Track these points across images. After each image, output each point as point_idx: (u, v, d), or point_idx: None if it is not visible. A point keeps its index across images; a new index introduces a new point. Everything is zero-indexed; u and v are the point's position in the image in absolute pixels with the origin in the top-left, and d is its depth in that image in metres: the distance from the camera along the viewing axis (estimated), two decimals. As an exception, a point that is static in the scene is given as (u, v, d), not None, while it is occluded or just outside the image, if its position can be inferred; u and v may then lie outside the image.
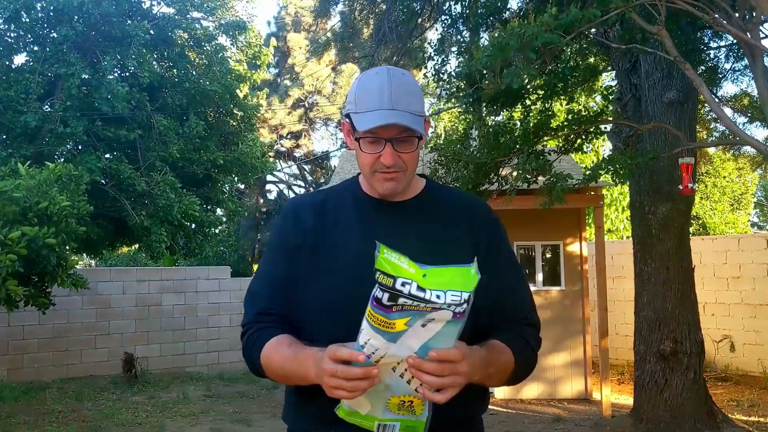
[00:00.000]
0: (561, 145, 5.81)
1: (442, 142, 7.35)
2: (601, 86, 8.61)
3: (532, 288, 7.73)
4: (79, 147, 10.46)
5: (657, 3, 3.72)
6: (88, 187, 7.74)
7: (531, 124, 5.51)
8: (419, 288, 1.09)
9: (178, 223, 10.54)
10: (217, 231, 16.06)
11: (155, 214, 10.20)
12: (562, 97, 6.01)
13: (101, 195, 9.89)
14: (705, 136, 10.79)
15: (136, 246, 12.66)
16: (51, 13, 9.90)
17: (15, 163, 6.84)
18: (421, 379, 1.13)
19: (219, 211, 13.83)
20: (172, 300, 9.96)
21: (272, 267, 1.45)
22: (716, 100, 5.67)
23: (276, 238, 1.49)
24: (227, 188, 13.48)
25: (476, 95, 4.78)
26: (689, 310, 6.05)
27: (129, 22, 10.21)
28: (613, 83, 7.33)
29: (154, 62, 10.82)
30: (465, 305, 1.11)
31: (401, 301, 1.09)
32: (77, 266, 7.61)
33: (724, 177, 16.77)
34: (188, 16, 11.44)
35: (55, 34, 10.03)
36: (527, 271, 7.98)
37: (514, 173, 5.65)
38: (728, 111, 8.58)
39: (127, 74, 10.68)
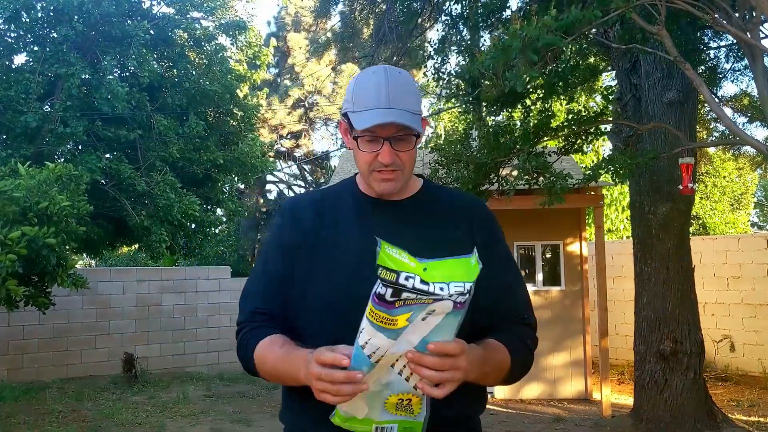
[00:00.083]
0: (561, 146, 5.82)
1: (442, 142, 7.36)
2: (601, 86, 8.62)
3: (533, 288, 7.81)
4: (79, 147, 10.47)
5: (657, 3, 3.72)
6: (88, 187, 7.74)
7: (531, 125, 5.51)
8: (423, 281, 1.09)
9: (178, 223, 10.54)
10: (217, 231, 16.07)
11: (155, 214, 10.20)
12: (562, 97, 6.02)
13: (101, 195, 9.90)
14: (705, 136, 10.79)
15: (136, 246, 12.66)
16: (51, 13, 9.90)
17: (15, 163, 6.84)
18: (420, 373, 1.13)
19: (219, 211, 13.83)
20: (172, 300, 9.96)
21: (268, 266, 1.45)
22: (716, 100, 5.68)
23: (273, 237, 1.48)
24: (227, 188, 13.49)
25: (476, 95, 4.78)
26: (689, 310, 6.05)
27: (129, 22, 10.21)
28: (613, 83, 7.34)
29: (154, 62, 10.82)
30: (467, 296, 1.11)
31: (404, 295, 1.09)
32: (77, 266, 7.61)
33: (724, 177, 16.77)
34: (188, 16, 11.44)
35: (55, 34, 10.03)
36: (527, 271, 7.99)
37: (515, 173, 5.66)
38: (728, 111, 8.59)
39: (127, 74, 10.68)
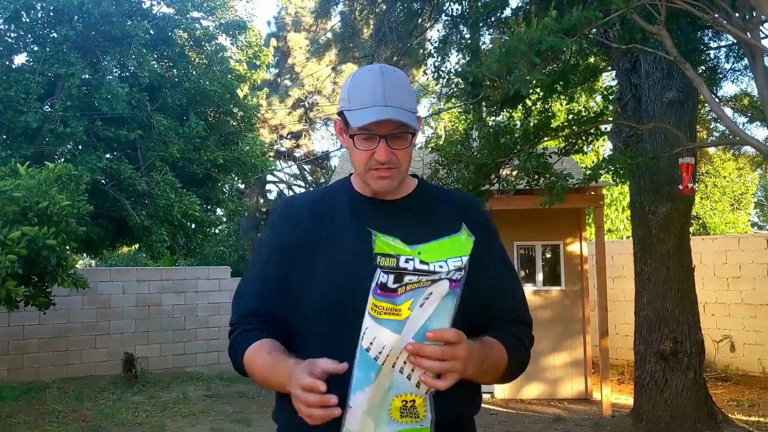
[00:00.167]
0: (562, 146, 5.82)
1: (442, 142, 7.36)
2: (601, 86, 8.62)
3: (533, 288, 7.81)
4: (79, 147, 10.47)
5: (657, 3, 3.73)
6: (88, 187, 7.74)
7: (531, 125, 5.52)
8: (422, 262, 1.10)
9: (178, 223, 10.53)
10: (217, 231, 16.06)
11: (155, 214, 10.20)
12: (562, 97, 6.02)
13: (101, 195, 9.89)
14: (705, 136, 10.79)
15: (136, 246, 12.66)
16: (51, 13, 9.90)
17: (15, 163, 6.84)
18: (421, 365, 1.12)
19: (219, 211, 13.83)
20: (172, 300, 9.96)
21: (263, 267, 1.45)
22: (716, 100, 5.68)
23: (269, 237, 1.48)
24: (227, 188, 13.48)
25: (476, 94, 4.78)
26: (689, 310, 6.05)
27: (129, 22, 10.21)
28: (613, 83, 7.34)
29: (154, 62, 10.81)
30: (463, 271, 1.11)
31: (407, 279, 1.09)
32: (77, 266, 7.61)
33: (724, 177, 16.76)
34: (188, 15, 11.43)
35: (55, 34, 10.03)
36: (527, 271, 7.99)
37: (515, 173, 5.66)
38: (728, 111, 8.58)
39: (127, 74, 10.67)
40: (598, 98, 9.78)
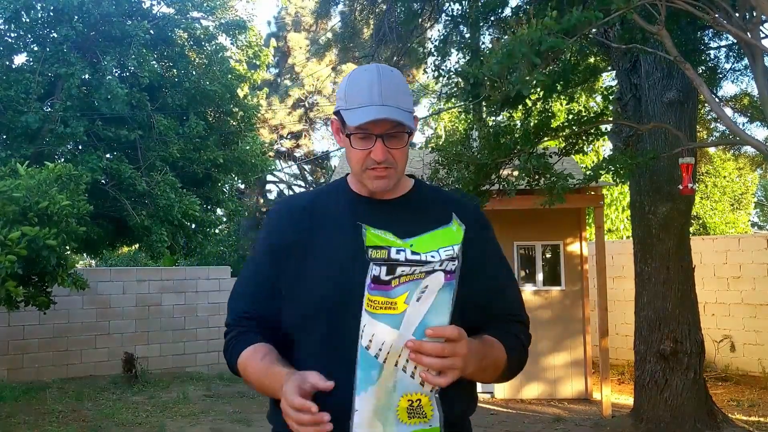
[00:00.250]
0: (562, 146, 5.82)
1: (442, 142, 7.36)
2: (601, 86, 8.62)
3: (533, 288, 7.81)
4: (80, 147, 10.47)
5: (657, 3, 3.73)
6: (88, 187, 7.74)
7: (531, 125, 5.52)
8: (414, 252, 1.10)
9: (178, 223, 10.54)
10: (217, 231, 16.05)
11: (155, 214, 10.20)
12: (562, 97, 6.02)
13: (101, 195, 9.90)
14: (705, 136, 10.79)
15: (137, 246, 12.66)
16: (51, 13, 9.90)
17: (15, 163, 6.84)
18: (421, 362, 1.13)
19: (219, 211, 13.82)
20: (172, 300, 9.96)
21: (258, 268, 1.45)
22: (716, 99, 5.68)
23: (264, 238, 1.48)
24: (227, 188, 13.47)
25: (476, 94, 4.78)
26: (689, 310, 6.05)
27: (129, 22, 10.21)
28: (613, 83, 7.34)
29: (154, 62, 10.81)
30: (455, 262, 1.11)
31: (399, 271, 1.09)
32: (77, 266, 7.61)
33: (724, 177, 16.76)
34: (188, 15, 11.44)
35: (55, 34, 10.03)
36: (527, 271, 7.99)
37: (515, 173, 5.66)
38: (728, 111, 8.58)
39: (127, 74, 10.68)
40: (598, 98, 9.78)
